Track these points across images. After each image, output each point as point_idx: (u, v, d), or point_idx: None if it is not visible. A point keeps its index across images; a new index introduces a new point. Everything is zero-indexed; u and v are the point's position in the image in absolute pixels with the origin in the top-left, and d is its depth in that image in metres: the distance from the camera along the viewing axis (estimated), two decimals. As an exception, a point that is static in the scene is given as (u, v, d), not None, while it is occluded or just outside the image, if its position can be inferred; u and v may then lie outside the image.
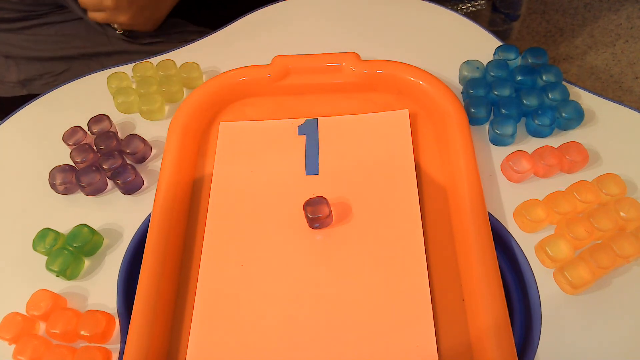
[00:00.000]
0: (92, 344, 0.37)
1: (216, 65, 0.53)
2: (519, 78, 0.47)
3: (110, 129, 0.47)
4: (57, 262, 0.40)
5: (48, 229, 0.42)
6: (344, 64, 0.49)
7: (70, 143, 0.47)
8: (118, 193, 0.45)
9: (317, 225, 0.41)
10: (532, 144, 0.45)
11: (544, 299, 0.38)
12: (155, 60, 0.53)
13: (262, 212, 0.43)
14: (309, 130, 0.47)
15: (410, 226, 0.41)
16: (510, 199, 0.42)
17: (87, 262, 0.42)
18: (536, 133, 0.46)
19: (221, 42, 0.56)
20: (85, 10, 0.63)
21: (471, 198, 0.40)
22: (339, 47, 0.51)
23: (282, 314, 0.38)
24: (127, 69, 0.53)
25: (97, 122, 0.47)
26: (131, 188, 0.45)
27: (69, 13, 0.66)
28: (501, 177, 0.44)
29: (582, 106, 0.46)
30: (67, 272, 0.40)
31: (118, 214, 0.44)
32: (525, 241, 0.40)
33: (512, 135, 0.45)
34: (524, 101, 0.46)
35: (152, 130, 0.49)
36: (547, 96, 0.46)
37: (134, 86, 0.51)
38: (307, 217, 0.41)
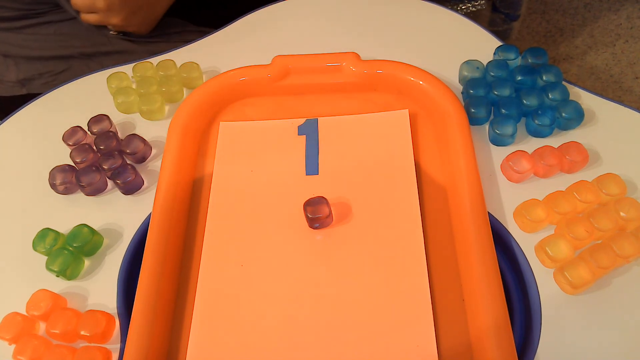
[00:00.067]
0: (92, 344, 0.37)
1: (216, 65, 0.53)
2: (519, 78, 0.47)
3: (110, 129, 0.47)
4: (57, 262, 0.40)
5: (48, 229, 0.42)
6: (344, 64, 0.49)
7: (70, 143, 0.47)
8: (118, 193, 0.45)
9: (317, 225, 0.41)
10: (532, 144, 0.45)
11: (544, 299, 0.38)
12: (155, 60, 0.53)
13: (262, 212, 0.43)
14: (309, 130, 0.47)
15: (410, 226, 0.41)
16: (510, 199, 0.42)
17: (87, 262, 0.42)
18: (536, 133, 0.46)
19: (221, 42, 0.56)
20: (78, 12, 0.63)
21: (471, 198, 0.40)
22: (339, 47, 0.51)
23: (282, 314, 0.38)
24: (127, 69, 0.53)
25: (97, 122, 0.47)
26: (131, 188, 0.45)
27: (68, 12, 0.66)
28: (501, 177, 0.44)
29: (582, 106, 0.46)
30: (67, 272, 0.40)
31: (118, 214, 0.44)
32: (525, 241, 0.40)
33: (512, 135, 0.45)
34: (524, 101, 0.46)
35: (152, 130, 0.49)
36: (547, 96, 0.46)
37: (134, 86, 0.51)
38: (307, 217, 0.41)
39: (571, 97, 0.47)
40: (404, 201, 0.42)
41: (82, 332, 0.37)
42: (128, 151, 0.46)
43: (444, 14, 0.56)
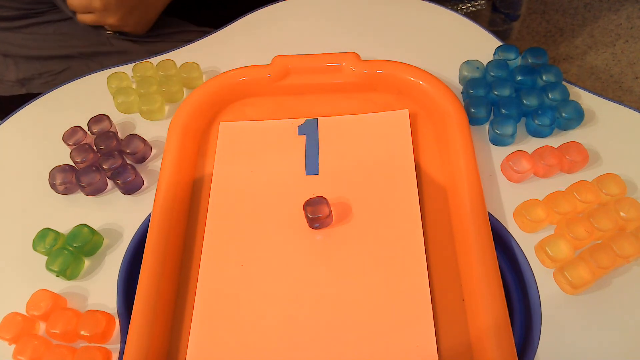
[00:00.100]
0: (92, 344, 0.37)
1: (216, 65, 0.53)
2: (519, 78, 0.47)
3: (110, 129, 0.47)
4: (57, 262, 0.40)
5: (48, 229, 0.42)
6: (344, 64, 0.49)
7: (70, 143, 0.47)
8: (118, 193, 0.45)
9: (317, 225, 0.41)
10: (532, 144, 0.45)
11: (544, 299, 0.38)
12: (155, 60, 0.53)
13: (262, 212, 0.43)
14: (309, 130, 0.47)
15: (410, 226, 0.41)
16: (510, 199, 0.42)
17: (87, 262, 0.42)
18: (536, 133, 0.46)
19: (221, 42, 0.56)
20: (74, 12, 0.63)
21: (471, 198, 0.40)
22: (339, 47, 0.51)
23: (282, 314, 0.38)
24: (127, 69, 0.53)
25: (97, 122, 0.47)
26: (131, 188, 0.45)
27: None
28: (501, 177, 0.44)
29: (582, 106, 0.46)
30: (67, 272, 0.40)
31: (118, 214, 0.44)
32: (525, 241, 0.40)
33: (512, 135, 0.45)
34: (524, 101, 0.46)
35: (152, 130, 0.49)
36: (547, 96, 0.46)
37: (134, 86, 0.51)
38: (307, 217, 0.41)
39: (571, 97, 0.47)
40: (404, 201, 0.42)
41: (82, 332, 0.37)
42: (128, 151, 0.46)
43: (444, 14, 0.56)
